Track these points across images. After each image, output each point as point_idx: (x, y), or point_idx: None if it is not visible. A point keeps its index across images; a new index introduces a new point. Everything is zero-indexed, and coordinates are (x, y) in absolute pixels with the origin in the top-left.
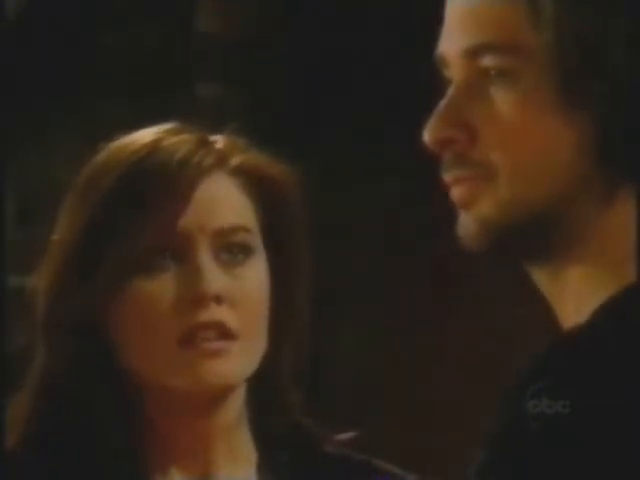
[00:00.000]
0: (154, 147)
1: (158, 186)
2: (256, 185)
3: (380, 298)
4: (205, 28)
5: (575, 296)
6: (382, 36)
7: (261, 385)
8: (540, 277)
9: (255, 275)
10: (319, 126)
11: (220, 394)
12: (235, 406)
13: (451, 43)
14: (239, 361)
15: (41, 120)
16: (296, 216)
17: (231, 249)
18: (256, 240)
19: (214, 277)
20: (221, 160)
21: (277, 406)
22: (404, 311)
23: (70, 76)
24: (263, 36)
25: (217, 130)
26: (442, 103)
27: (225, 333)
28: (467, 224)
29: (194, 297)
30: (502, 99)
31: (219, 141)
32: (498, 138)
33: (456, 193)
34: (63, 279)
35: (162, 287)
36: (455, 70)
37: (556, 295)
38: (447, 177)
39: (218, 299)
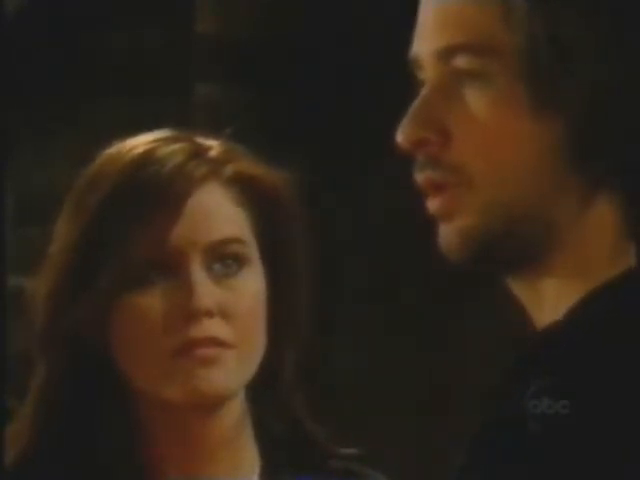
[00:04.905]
0: (147, 158)
1: (150, 200)
2: (251, 194)
3: (380, 298)
4: (204, 28)
5: (553, 303)
6: (382, 36)
7: (263, 391)
8: (518, 285)
9: (249, 286)
10: (319, 127)
11: (215, 404)
12: (233, 416)
13: (424, 44)
14: (234, 371)
15: (41, 120)
16: (293, 225)
17: (224, 260)
18: (250, 251)
19: (206, 292)
20: (215, 170)
21: (279, 411)
22: (404, 311)
23: (70, 76)
24: (263, 36)
25: (214, 134)
26: (415, 104)
27: (219, 345)
28: (447, 236)
29: (186, 313)
30: (475, 100)
31: (214, 148)
32: (472, 140)
33: (434, 205)
34: (60, 293)
35: (155, 302)
36: (428, 71)
37: (533, 302)
38: (419, 178)
39: (210, 314)
